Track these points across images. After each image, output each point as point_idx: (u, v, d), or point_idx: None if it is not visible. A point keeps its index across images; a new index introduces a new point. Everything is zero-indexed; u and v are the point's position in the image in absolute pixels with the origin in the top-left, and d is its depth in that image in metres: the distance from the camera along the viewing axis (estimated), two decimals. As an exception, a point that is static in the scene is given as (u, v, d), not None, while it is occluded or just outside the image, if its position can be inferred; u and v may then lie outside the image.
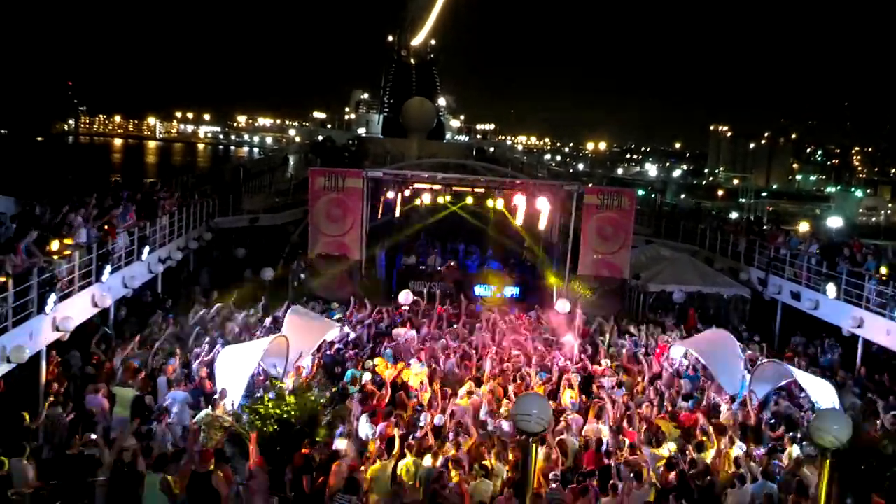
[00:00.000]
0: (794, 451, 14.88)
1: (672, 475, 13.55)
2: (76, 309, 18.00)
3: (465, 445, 14.17)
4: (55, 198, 21.68)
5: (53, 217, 19.52)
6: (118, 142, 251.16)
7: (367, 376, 17.50)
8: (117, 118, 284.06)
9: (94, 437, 13.43)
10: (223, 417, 14.05)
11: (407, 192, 30.64)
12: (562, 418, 15.68)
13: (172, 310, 22.06)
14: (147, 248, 22.81)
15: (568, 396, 17.26)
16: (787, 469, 14.31)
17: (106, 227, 20.67)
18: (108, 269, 19.65)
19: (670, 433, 15.73)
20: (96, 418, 14.95)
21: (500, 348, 20.58)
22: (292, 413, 13.23)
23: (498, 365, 19.06)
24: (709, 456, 14.60)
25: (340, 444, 13.70)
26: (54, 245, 17.49)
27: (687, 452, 14.65)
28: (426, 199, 30.89)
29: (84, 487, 12.13)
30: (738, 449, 14.92)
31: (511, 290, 29.01)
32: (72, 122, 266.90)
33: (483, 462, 13.41)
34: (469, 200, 30.49)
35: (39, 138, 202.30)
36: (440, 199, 31.08)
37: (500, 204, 30.68)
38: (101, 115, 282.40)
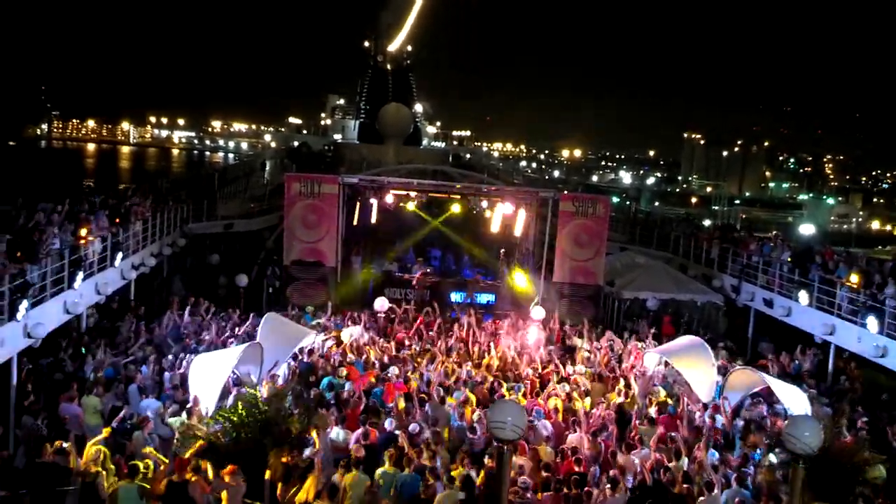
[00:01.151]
0: (771, 458, 14.95)
1: (647, 482, 13.61)
2: (48, 316, 17.83)
3: (441, 454, 14.18)
4: (27, 203, 21.47)
5: (26, 223, 19.33)
6: (91, 146, 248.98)
7: (345, 384, 17.48)
8: (91, 123, 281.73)
9: (65, 445, 13.29)
10: (197, 426, 13.93)
11: (386, 198, 30.52)
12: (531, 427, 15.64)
13: (145, 317, 21.89)
14: (120, 255, 22.61)
15: (553, 404, 17.28)
16: (760, 476, 14.39)
17: (78, 232, 20.50)
18: (81, 275, 19.47)
19: (648, 438, 15.81)
20: (68, 426, 14.78)
21: (476, 355, 20.66)
22: (265, 420, 13.14)
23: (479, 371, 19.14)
24: (684, 463, 14.67)
25: (311, 452, 13.66)
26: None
27: (662, 459, 14.72)
28: (407, 206, 30.81)
29: (54, 496, 12.00)
30: (712, 456, 15.00)
31: (486, 297, 29.03)
32: (45, 126, 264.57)
33: (452, 472, 13.39)
34: (456, 209, 30.46)
35: (11, 143, 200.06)
36: (410, 206, 31.07)
37: (475, 211, 30.70)
38: (74, 120, 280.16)
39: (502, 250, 31.41)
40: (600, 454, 14.78)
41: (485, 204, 31.45)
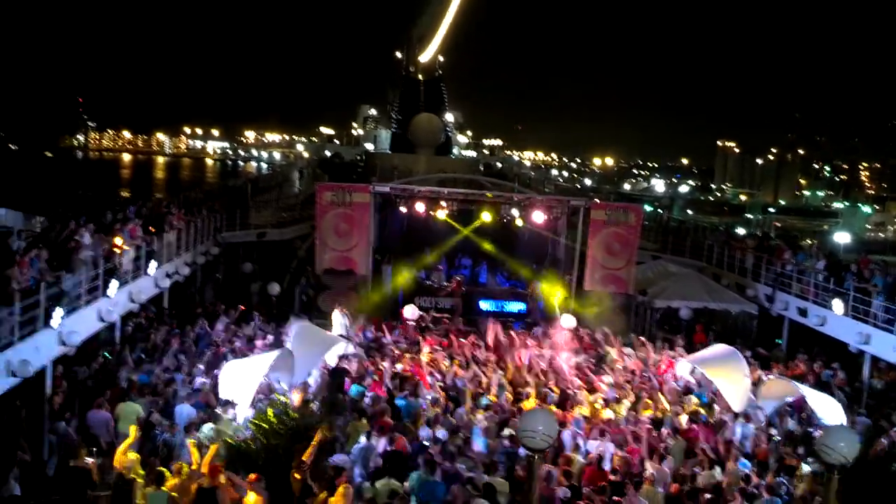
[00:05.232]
0: (804, 468, 14.77)
1: (679, 491, 13.51)
2: (83, 323, 18.04)
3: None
4: (63, 213, 21.76)
5: (61, 232, 19.58)
6: (127, 157, 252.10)
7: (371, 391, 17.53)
8: (126, 134, 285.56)
9: (90, 459, 13.39)
10: (227, 432, 14.02)
11: (416, 207, 30.52)
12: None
13: (178, 325, 22.07)
14: (154, 263, 22.84)
15: (578, 413, 17.20)
16: (794, 486, 14.22)
17: (113, 241, 20.72)
18: (115, 283, 19.67)
19: (677, 449, 15.69)
20: (96, 432, 14.91)
21: (505, 365, 20.62)
22: (295, 427, 13.21)
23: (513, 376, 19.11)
24: (717, 472, 14.53)
25: (341, 460, 13.70)
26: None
27: (695, 468, 14.60)
28: (437, 215, 30.79)
29: (85, 501, 12.14)
30: (745, 466, 14.85)
31: (517, 306, 28.94)
32: (81, 137, 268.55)
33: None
34: (487, 218, 30.42)
35: (48, 153, 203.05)
36: (442, 214, 31.08)
37: (506, 220, 30.63)
38: (109, 131, 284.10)
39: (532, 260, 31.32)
40: (631, 464, 14.68)
41: (516, 213, 31.37)
